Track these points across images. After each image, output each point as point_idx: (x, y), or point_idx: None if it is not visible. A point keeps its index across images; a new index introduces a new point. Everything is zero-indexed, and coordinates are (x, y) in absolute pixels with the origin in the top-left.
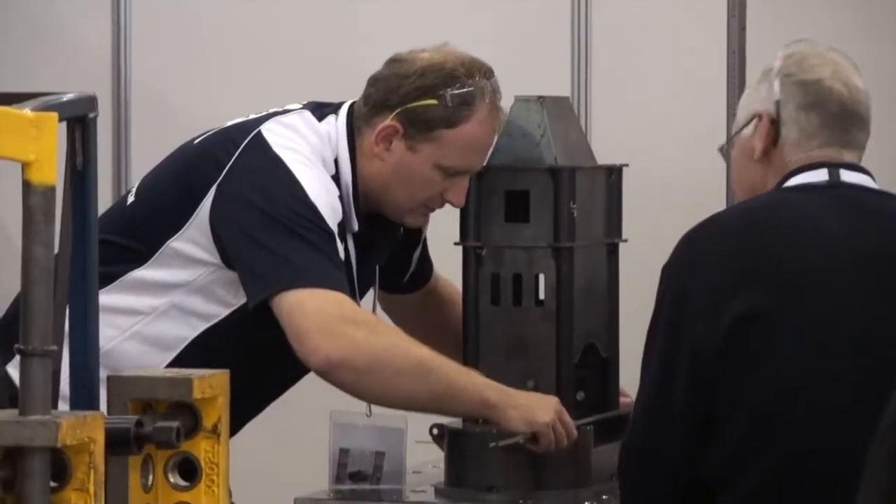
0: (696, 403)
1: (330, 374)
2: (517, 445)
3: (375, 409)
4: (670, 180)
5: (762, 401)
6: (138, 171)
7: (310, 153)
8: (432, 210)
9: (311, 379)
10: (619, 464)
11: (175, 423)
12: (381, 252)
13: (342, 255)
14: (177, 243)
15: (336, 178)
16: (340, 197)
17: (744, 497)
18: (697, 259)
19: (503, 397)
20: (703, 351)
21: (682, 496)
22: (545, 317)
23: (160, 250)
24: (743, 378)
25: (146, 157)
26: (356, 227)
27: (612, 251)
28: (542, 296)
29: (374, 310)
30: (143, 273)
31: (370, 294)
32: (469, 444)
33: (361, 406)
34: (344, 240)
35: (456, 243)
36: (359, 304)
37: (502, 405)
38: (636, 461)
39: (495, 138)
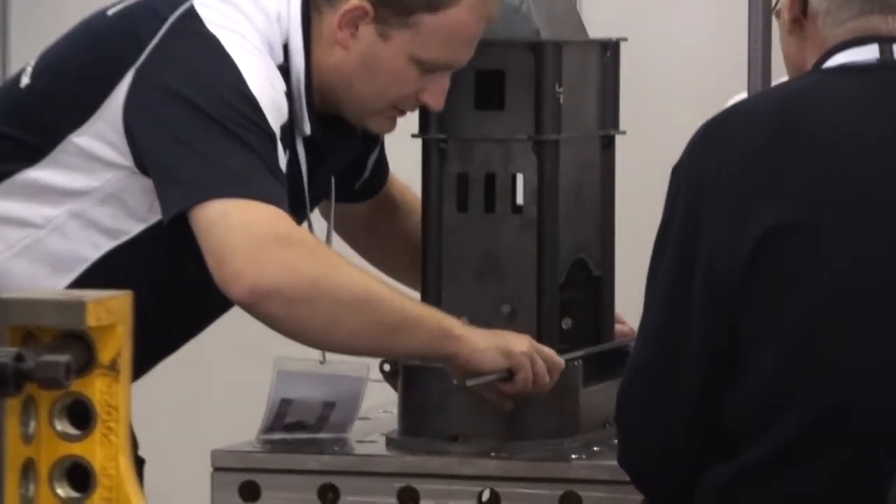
0: (716, 335)
1: (256, 306)
2: (489, 387)
3: (332, 356)
4: (678, 56)
5: (797, 332)
6: (23, 48)
7: (254, 36)
8: (402, 114)
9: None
10: (616, 409)
11: (64, 357)
12: (337, 160)
13: (284, 164)
14: (81, 139)
15: (285, 69)
16: (289, 94)
17: (773, 452)
18: (717, 157)
19: (468, 329)
20: (723, 270)
21: (695, 450)
22: (524, 226)
23: (59, 146)
24: (773, 304)
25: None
26: (308, 129)
27: (607, 145)
28: (519, 200)
29: (330, 232)
30: (37, 174)
31: (318, 216)
32: (429, 383)
33: (313, 354)
34: (291, 146)
35: (414, 135)
36: (309, 220)
37: (468, 336)
38: (639, 405)
39: (483, 28)
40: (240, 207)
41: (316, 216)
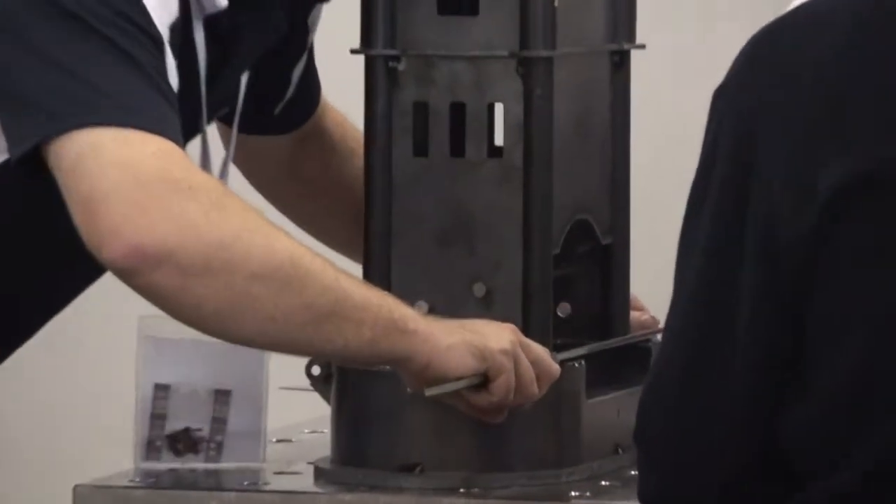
0: (774, 328)
1: (138, 274)
2: (457, 397)
3: None
4: None
5: (884, 326)
6: None
7: None
8: None
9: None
10: (637, 428)
11: None
12: (251, 51)
13: (174, 79)
14: None
15: None
16: None
17: (854, 484)
18: (775, 78)
19: (427, 321)
20: (786, 238)
21: (747, 483)
22: (504, 176)
23: None
24: (854, 287)
25: None
26: (221, 1)
27: (620, 64)
28: (499, 140)
29: (227, 164)
30: None
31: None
32: (374, 392)
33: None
34: (186, 43)
35: (354, 51)
36: (205, 140)
37: (427, 330)
38: (668, 422)
39: None
40: (118, 139)
41: (213, 142)
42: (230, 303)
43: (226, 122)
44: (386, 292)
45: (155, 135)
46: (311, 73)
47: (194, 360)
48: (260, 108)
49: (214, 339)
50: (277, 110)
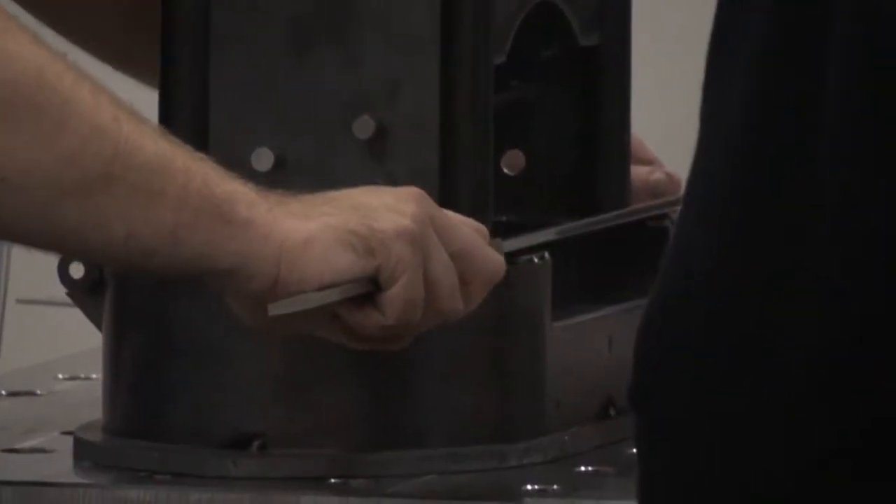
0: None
1: None
2: (325, 319)
3: None
4: None
5: None
6: None
7: None
8: None
9: None
10: (635, 367)
11: None
12: None
13: None
14: None
15: None
16: None
17: None
18: None
19: (269, 201)
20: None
21: (831, 461)
22: None
23: None
24: None
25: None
26: None
27: None
28: None
29: None
30: None
31: None
32: (182, 315)
33: None
34: None
35: None
36: None
37: (266, 219)
38: (697, 356)
39: None
40: None
41: None
42: None
43: None
44: (201, 154)
45: None
46: None
47: None
48: None
49: None
50: None
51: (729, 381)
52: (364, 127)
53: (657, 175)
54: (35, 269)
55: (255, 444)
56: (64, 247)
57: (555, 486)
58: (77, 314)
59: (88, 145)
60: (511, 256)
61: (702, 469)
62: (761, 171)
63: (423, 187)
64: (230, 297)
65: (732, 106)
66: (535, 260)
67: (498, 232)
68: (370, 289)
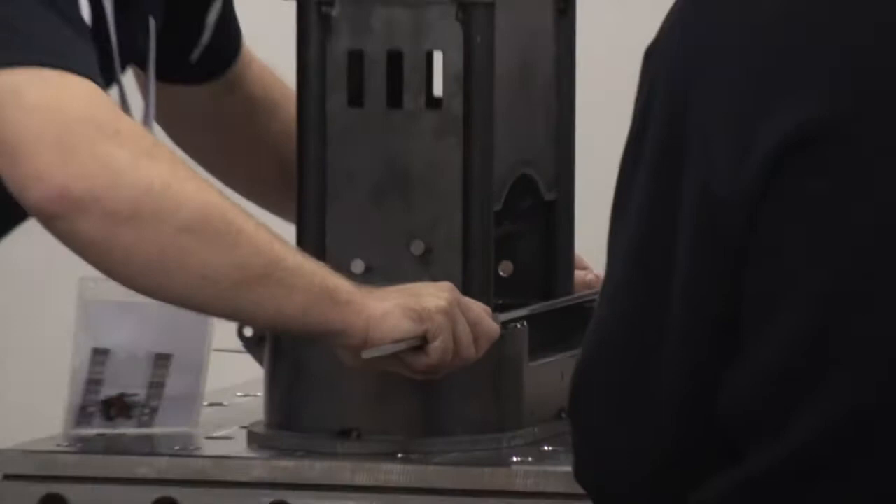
0: (712, 291)
1: (62, 219)
2: (394, 361)
3: None
4: None
5: (827, 287)
6: None
7: None
8: None
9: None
10: (570, 397)
11: None
12: None
13: (87, 14)
14: None
15: None
16: None
17: (790, 459)
18: (711, 29)
19: (362, 291)
20: (724, 197)
21: (684, 458)
22: (444, 127)
23: None
24: (795, 247)
25: None
26: None
27: (565, 11)
28: (437, 91)
29: (150, 111)
30: None
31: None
32: (309, 354)
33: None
34: None
35: None
36: (122, 90)
37: (361, 301)
38: (603, 392)
39: None
40: (37, 81)
41: (131, 93)
42: (159, 255)
43: (141, 66)
44: (321, 262)
45: (75, 75)
46: (228, 19)
47: (135, 323)
48: (175, 54)
49: (156, 302)
50: (194, 57)
51: (621, 404)
52: (417, 247)
53: (590, 276)
54: (219, 329)
55: (354, 433)
56: (237, 318)
57: (529, 459)
58: (247, 358)
59: (253, 258)
60: (504, 324)
61: (602, 448)
62: (637, 299)
63: (453, 282)
64: (338, 348)
65: (623, 246)
66: (518, 326)
67: (496, 310)
68: (421, 343)
